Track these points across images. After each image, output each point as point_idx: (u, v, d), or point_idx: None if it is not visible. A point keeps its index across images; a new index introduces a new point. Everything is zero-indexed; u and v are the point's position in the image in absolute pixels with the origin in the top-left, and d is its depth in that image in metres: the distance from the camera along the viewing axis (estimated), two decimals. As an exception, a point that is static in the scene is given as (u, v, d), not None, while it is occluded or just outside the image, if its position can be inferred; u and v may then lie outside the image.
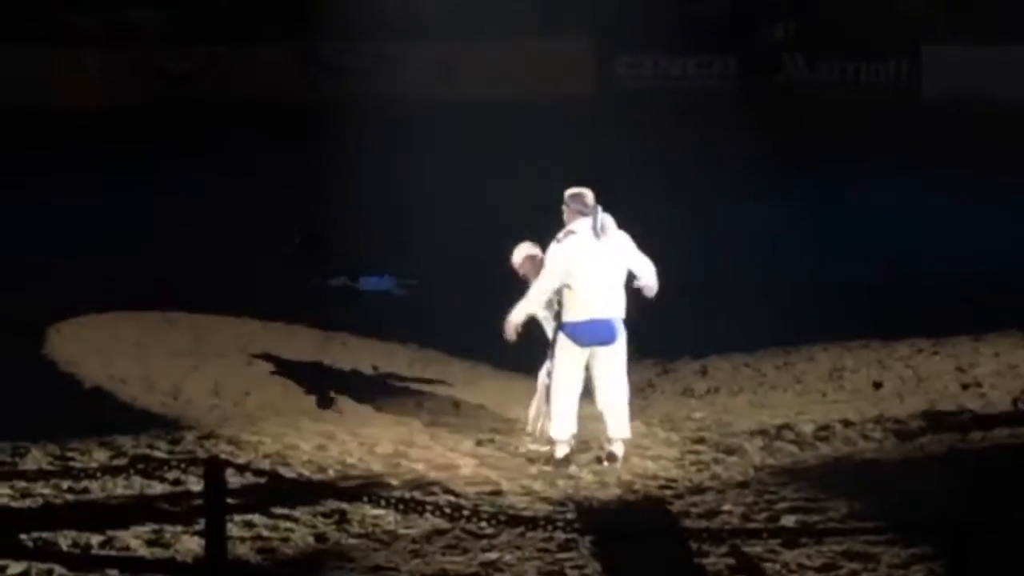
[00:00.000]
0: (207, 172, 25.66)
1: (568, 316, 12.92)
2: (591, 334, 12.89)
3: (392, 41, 33.94)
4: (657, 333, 14.32)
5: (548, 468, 12.78)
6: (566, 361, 12.96)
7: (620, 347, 13.01)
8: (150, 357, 16.30)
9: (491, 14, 34.22)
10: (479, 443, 13.57)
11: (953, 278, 19.01)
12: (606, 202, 13.01)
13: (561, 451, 12.90)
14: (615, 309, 12.91)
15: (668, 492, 12.28)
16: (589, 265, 12.82)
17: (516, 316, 13.04)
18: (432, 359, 16.32)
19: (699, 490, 12.36)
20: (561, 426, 12.94)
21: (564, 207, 13.02)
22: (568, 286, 12.88)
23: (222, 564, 9.50)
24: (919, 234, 21.54)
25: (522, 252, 13.43)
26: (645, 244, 13.02)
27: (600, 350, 12.92)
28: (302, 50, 34.34)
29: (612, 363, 12.98)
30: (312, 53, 34.41)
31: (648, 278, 13.00)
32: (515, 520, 9.91)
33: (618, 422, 12.99)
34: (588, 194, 12.97)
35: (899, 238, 21.22)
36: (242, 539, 11.12)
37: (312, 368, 15.90)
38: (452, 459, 13.14)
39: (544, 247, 13.14)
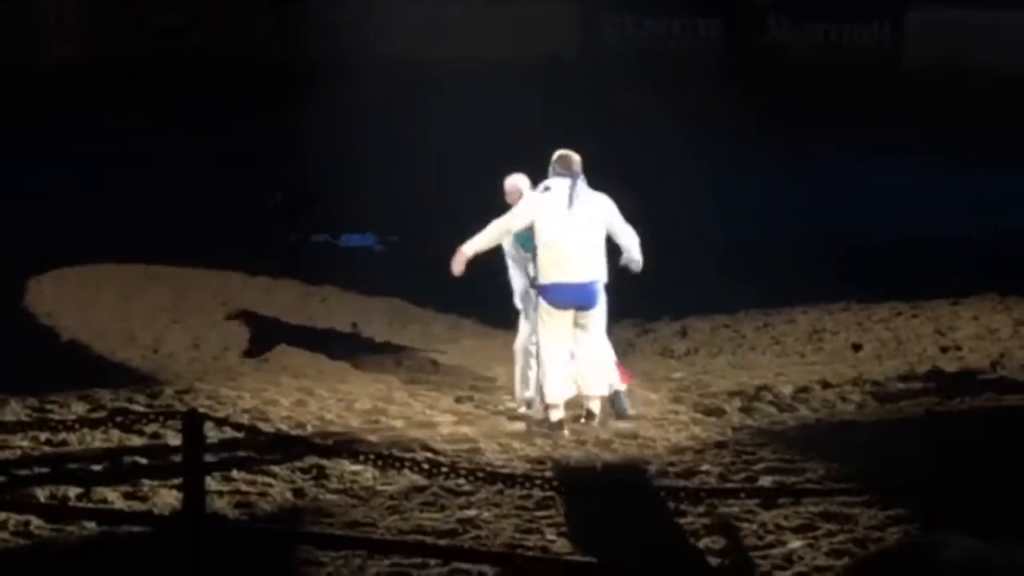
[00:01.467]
0: (189, 129, 25.50)
1: (544, 278, 12.75)
2: (569, 296, 12.74)
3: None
4: (636, 293, 14.20)
5: (543, 431, 12.64)
6: (549, 325, 12.79)
7: (599, 310, 12.86)
8: (130, 311, 16.29)
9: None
10: (458, 400, 13.58)
11: (931, 242, 18.96)
12: (586, 160, 12.87)
13: (556, 415, 12.74)
14: (593, 272, 12.75)
15: (647, 451, 12.28)
16: (563, 226, 12.65)
17: (467, 248, 12.87)
18: (412, 316, 16.34)
19: (677, 450, 12.37)
20: (554, 390, 12.75)
21: (550, 168, 12.86)
22: (543, 245, 12.72)
23: (200, 518, 9.45)
24: (896, 198, 21.47)
25: (514, 181, 13.26)
26: (624, 204, 12.90)
27: (580, 313, 12.78)
28: (290, 5, 34.11)
29: (590, 326, 12.83)
30: (296, 9, 34.22)
31: (631, 251, 12.87)
32: (493, 477, 9.84)
33: (595, 381, 12.89)
34: (573, 158, 12.81)
35: (876, 202, 21.17)
36: (220, 493, 11.13)
37: (292, 324, 15.89)
38: (431, 416, 13.16)
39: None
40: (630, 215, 12.91)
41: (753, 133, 23.16)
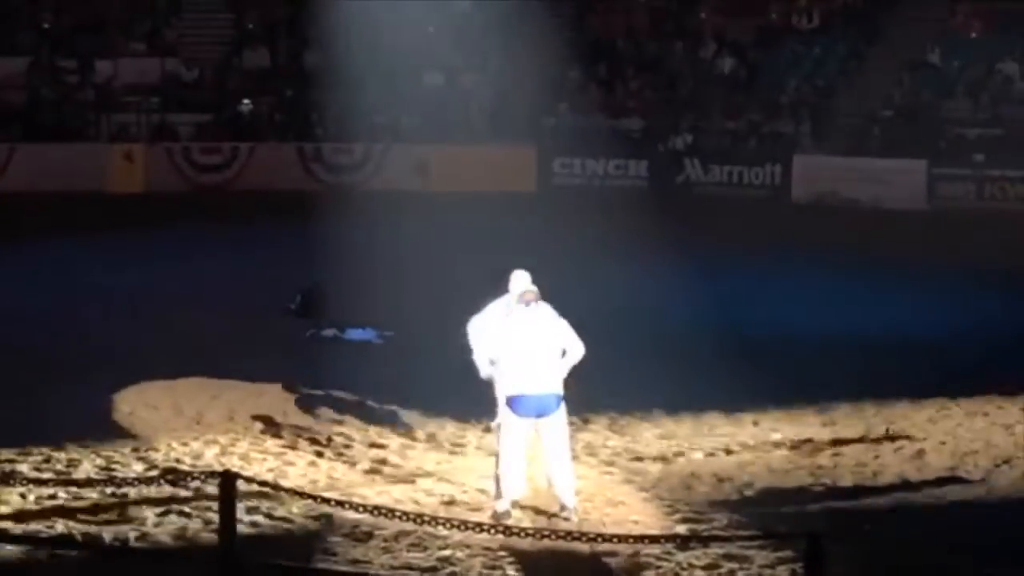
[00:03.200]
0: (227, 246, 25.45)
1: (506, 389, 11.76)
2: (527, 407, 11.58)
3: (377, 143, 34.01)
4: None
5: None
6: (508, 429, 11.71)
7: (559, 418, 11.69)
8: (178, 388, 16.07)
9: (457, 123, 34.42)
10: (438, 463, 13.50)
11: (811, 341, 18.77)
12: (537, 278, 12.41)
13: (502, 506, 11.65)
14: (549, 384, 11.58)
15: (587, 504, 12.21)
16: (515, 340, 11.67)
17: (479, 369, 12.66)
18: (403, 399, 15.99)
19: (612, 503, 12.32)
20: (503, 488, 11.67)
21: (509, 285, 12.38)
22: (500, 358, 11.86)
23: (231, 555, 9.43)
24: (785, 304, 21.33)
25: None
26: (565, 311, 12.20)
27: (541, 421, 11.63)
28: (306, 149, 34.30)
29: (553, 434, 11.65)
30: (314, 151, 34.41)
31: (572, 358, 11.75)
32: (465, 525, 9.84)
33: (564, 489, 11.73)
34: (521, 278, 12.23)
35: (769, 308, 21.01)
36: (248, 536, 11.00)
37: (308, 403, 15.69)
38: (417, 475, 13.06)
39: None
40: (575, 319, 12.28)
41: (671, 253, 22.99)
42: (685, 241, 24.81)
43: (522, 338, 11.69)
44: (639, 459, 13.63)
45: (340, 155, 34.14)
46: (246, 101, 35.20)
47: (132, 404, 15.31)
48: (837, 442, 14.13)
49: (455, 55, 35.44)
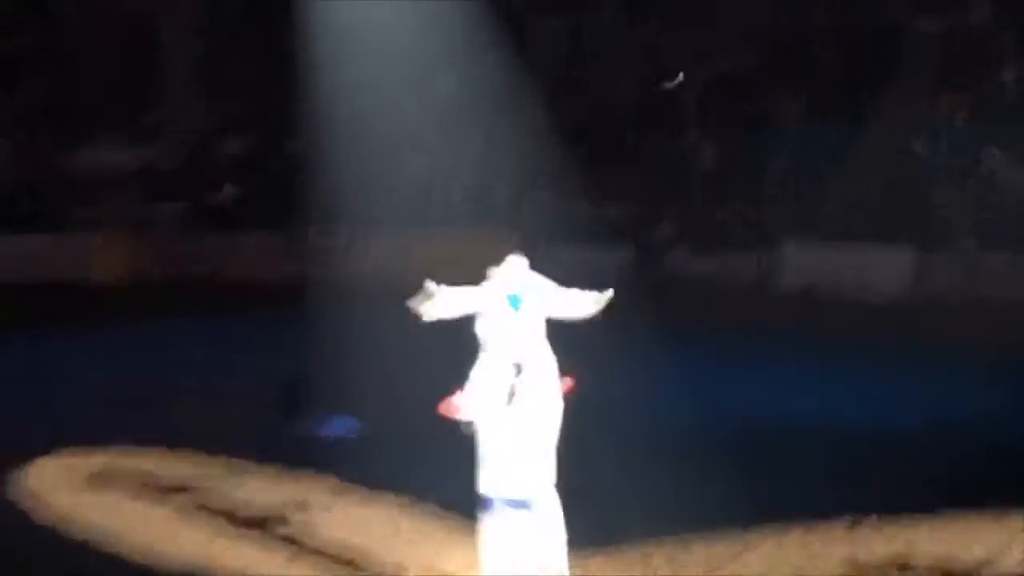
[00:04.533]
0: (209, 337, 25.71)
1: (487, 487, 11.48)
2: (511, 504, 11.42)
3: (359, 228, 34.16)
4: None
5: None
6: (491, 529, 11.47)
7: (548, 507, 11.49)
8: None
9: (436, 209, 34.68)
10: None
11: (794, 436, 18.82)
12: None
13: None
14: (535, 478, 11.30)
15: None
16: (500, 432, 11.44)
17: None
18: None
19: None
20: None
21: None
22: (485, 451, 11.58)
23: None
24: (774, 394, 21.62)
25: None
26: None
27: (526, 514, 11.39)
28: (291, 235, 34.40)
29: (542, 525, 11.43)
30: (298, 238, 34.55)
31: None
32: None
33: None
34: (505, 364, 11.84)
35: (758, 397, 21.30)
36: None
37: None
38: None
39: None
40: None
41: (655, 342, 23.13)
42: (668, 331, 24.92)
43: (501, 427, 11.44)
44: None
45: (324, 241, 34.33)
46: (229, 186, 35.45)
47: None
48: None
49: (437, 137, 35.80)
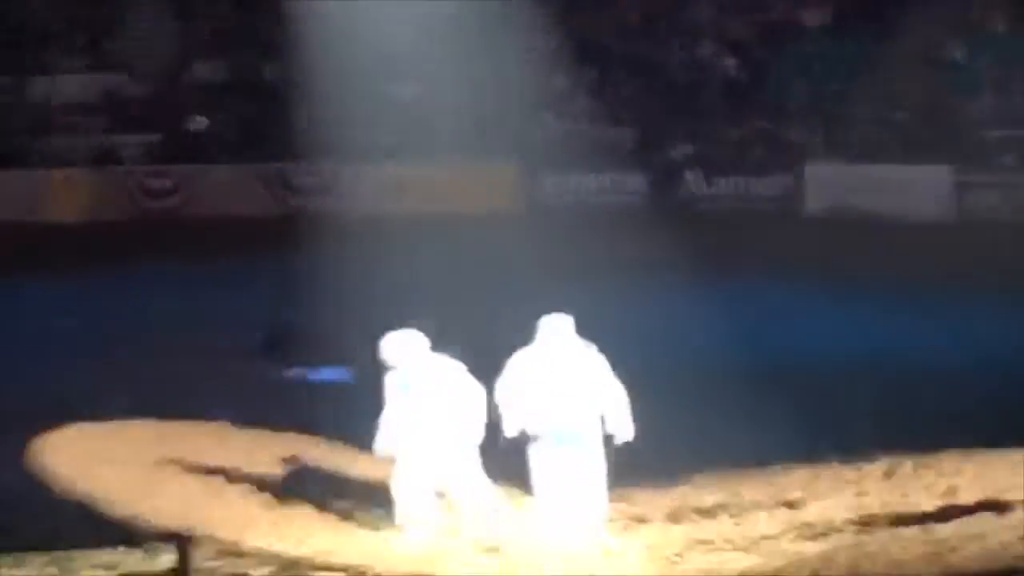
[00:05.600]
0: (183, 279, 25.24)
1: (538, 428, 12.31)
2: (558, 439, 12.27)
3: (347, 162, 33.75)
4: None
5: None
6: (541, 465, 12.37)
7: (588, 452, 12.31)
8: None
9: (434, 139, 34.24)
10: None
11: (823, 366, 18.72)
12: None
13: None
14: (583, 419, 12.27)
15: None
16: (548, 376, 12.28)
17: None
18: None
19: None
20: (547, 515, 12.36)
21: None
22: (532, 396, 12.29)
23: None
24: (795, 326, 21.50)
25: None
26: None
27: (569, 450, 12.26)
28: (268, 170, 34.14)
29: (582, 465, 12.28)
30: (277, 173, 34.26)
31: (619, 411, 12.37)
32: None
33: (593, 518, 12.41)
34: (553, 321, 12.52)
35: (778, 331, 21.07)
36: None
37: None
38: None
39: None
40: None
41: (672, 274, 22.89)
42: (686, 262, 24.62)
43: (548, 371, 12.28)
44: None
45: (305, 177, 33.97)
46: (199, 118, 35.10)
47: (72, 454, 14.88)
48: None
49: (431, 63, 35.25)
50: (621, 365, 12.67)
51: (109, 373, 18.77)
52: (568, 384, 12.26)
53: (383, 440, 12.34)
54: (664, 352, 19.18)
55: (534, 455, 12.37)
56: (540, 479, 12.34)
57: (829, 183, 32.83)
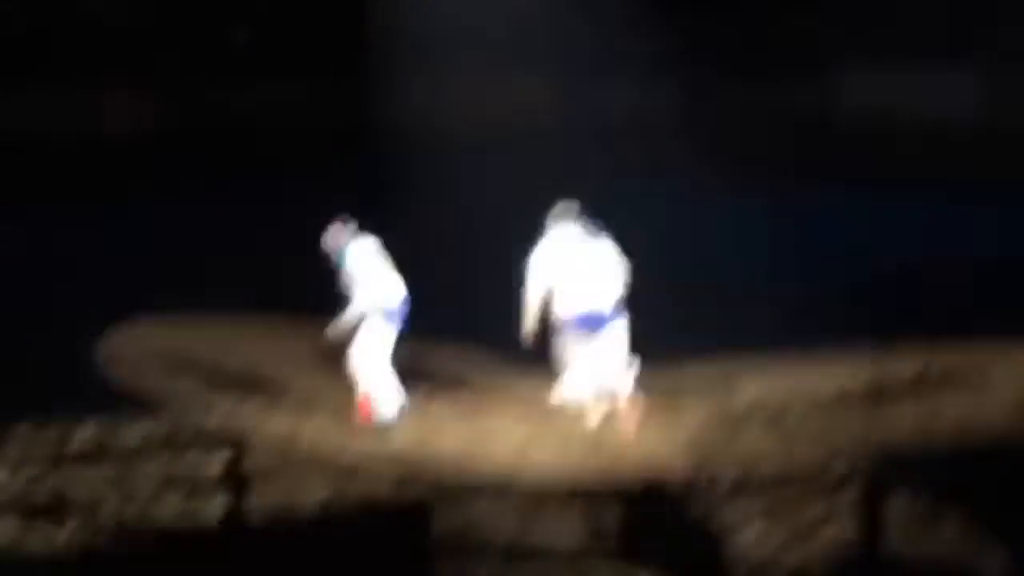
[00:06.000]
0: (238, 195, 25.13)
1: (564, 311, 13.06)
2: (585, 325, 13.01)
3: (389, 74, 33.46)
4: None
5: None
6: (569, 347, 13.09)
7: (616, 329, 13.06)
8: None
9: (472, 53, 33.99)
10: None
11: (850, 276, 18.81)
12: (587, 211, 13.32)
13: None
14: (605, 300, 12.99)
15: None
16: (570, 263, 13.05)
17: (526, 327, 13.25)
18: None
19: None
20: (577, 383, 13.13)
21: (552, 219, 13.39)
22: (557, 283, 13.08)
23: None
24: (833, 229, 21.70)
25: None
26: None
27: (594, 335, 13.00)
28: (330, 83, 33.55)
29: (609, 344, 13.02)
30: (324, 85, 33.74)
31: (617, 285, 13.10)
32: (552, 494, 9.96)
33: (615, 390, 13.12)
34: (572, 208, 13.34)
35: (816, 233, 21.36)
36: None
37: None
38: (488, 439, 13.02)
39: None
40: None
41: (713, 185, 23.08)
42: (727, 171, 24.67)
43: (570, 258, 13.05)
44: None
45: (349, 89, 33.69)
46: (241, 30, 34.94)
47: (132, 352, 15.27)
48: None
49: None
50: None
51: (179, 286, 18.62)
52: (589, 269, 12.99)
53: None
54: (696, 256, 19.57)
55: (562, 340, 13.08)
56: (568, 363, 13.06)
57: (862, 85, 32.38)
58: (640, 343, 13.46)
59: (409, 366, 14.05)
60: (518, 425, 13.20)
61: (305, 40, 34.11)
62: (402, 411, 13.19)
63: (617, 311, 13.02)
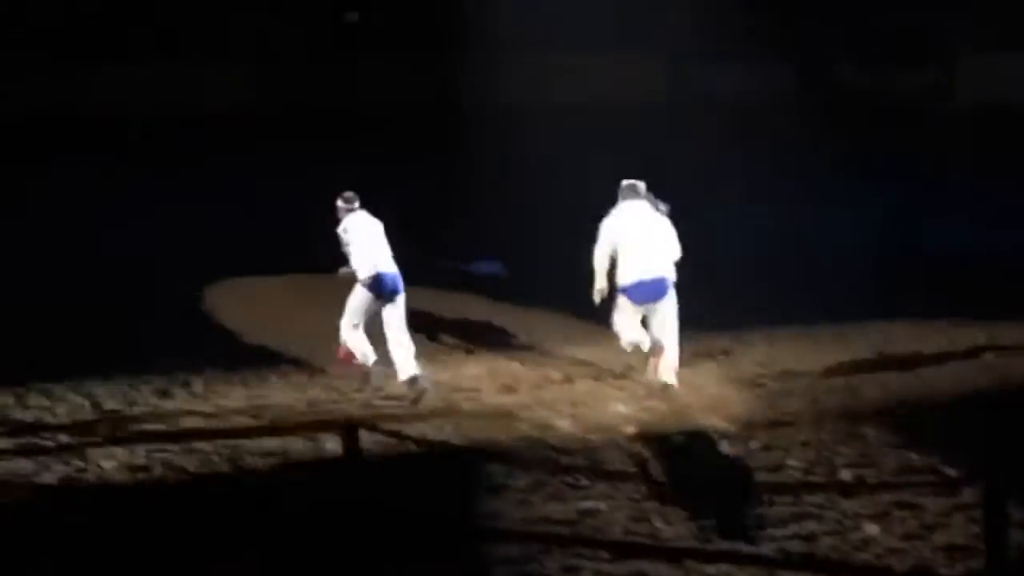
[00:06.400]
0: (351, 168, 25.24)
1: (623, 279, 13.58)
2: (641, 293, 13.55)
3: (501, 51, 33.33)
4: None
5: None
6: (624, 313, 13.66)
7: (669, 302, 13.62)
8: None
9: (580, 30, 33.99)
10: (574, 404, 13.55)
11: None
12: (667, 193, 13.90)
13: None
14: (661, 270, 13.56)
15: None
16: (632, 234, 13.57)
17: (598, 285, 13.72)
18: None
19: (767, 448, 12.34)
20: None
21: (619, 193, 13.98)
22: (621, 252, 13.63)
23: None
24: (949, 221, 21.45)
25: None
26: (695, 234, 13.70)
27: (654, 305, 13.59)
28: (427, 60, 33.72)
29: (663, 315, 13.61)
30: (429, 63, 33.99)
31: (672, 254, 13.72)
32: (607, 474, 9.91)
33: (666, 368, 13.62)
34: (637, 185, 13.91)
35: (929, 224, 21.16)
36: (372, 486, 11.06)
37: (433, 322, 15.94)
38: (551, 418, 13.11)
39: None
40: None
41: (819, 168, 23.07)
42: (835, 157, 24.54)
43: (632, 230, 13.65)
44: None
45: (453, 68, 33.91)
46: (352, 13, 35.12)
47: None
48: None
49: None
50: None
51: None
52: (648, 239, 13.60)
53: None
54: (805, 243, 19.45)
55: (620, 306, 13.66)
56: (624, 326, 13.63)
57: (981, 74, 32.16)
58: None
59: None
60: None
61: (409, 18, 34.34)
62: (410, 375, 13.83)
63: (670, 282, 13.61)
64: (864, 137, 27.65)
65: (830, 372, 14.56)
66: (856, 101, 32.27)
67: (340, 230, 14.34)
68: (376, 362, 14.03)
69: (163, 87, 31.42)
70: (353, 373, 14.14)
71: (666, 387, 13.53)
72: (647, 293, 13.58)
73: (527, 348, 15.47)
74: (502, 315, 16.62)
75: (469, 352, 15.40)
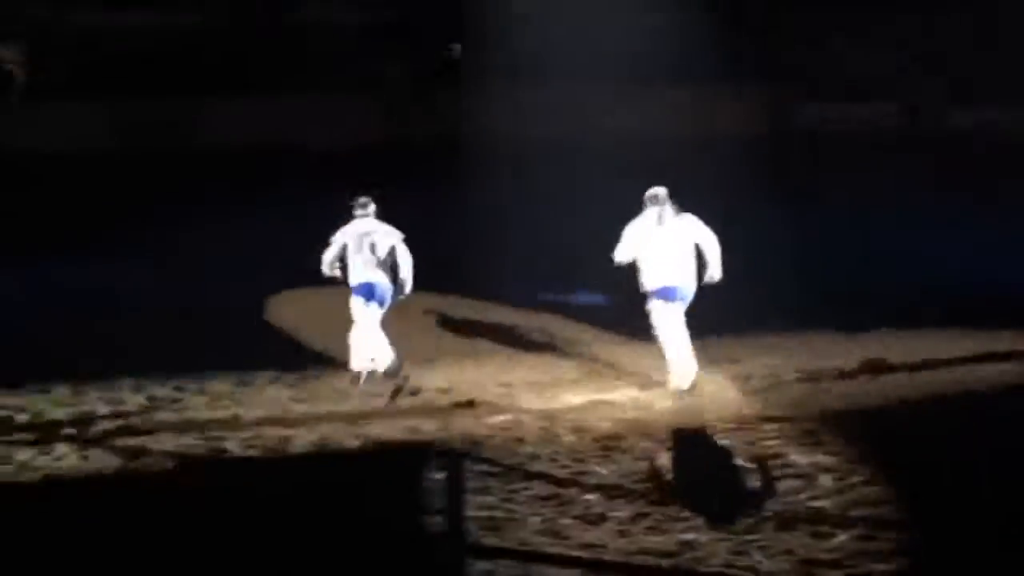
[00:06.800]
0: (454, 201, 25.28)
1: (647, 285, 14.32)
2: (666, 294, 14.31)
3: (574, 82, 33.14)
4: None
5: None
6: (660, 316, 14.34)
7: (683, 306, 14.34)
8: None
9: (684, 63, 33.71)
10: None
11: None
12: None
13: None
14: (679, 278, 14.25)
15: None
16: (655, 242, 14.25)
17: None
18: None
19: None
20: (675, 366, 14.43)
21: (644, 203, 14.49)
22: (643, 258, 14.34)
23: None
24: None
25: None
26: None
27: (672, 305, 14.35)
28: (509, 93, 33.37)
29: (676, 318, 14.31)
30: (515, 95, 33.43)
31: (713, 263, 14.33)
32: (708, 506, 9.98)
33: (687, 365, 14.35)
34: (659, 192, 14.44)
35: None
36: (476, 519, 11.29)
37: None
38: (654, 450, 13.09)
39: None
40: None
41: (918, 202, 23.18)
42: (940, 194, 24.40)
43: (656, 240, 14.35)
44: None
45: (531, 96, 33.33)
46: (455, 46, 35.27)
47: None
48: None
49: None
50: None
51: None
52: (671, 246, 14.29)
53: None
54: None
55: (651, 310, 14.37)
56: (658, 322, 14.34)
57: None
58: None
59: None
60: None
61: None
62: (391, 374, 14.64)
63: (691, 288, 14.30)
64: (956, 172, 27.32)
65: (842, 375, 14.96)
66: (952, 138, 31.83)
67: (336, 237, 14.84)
68: (372, 370, 14.59)
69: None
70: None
71: (686, 392, 14.20)
72: (670, 293, 14.31)
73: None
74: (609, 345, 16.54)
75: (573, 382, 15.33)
